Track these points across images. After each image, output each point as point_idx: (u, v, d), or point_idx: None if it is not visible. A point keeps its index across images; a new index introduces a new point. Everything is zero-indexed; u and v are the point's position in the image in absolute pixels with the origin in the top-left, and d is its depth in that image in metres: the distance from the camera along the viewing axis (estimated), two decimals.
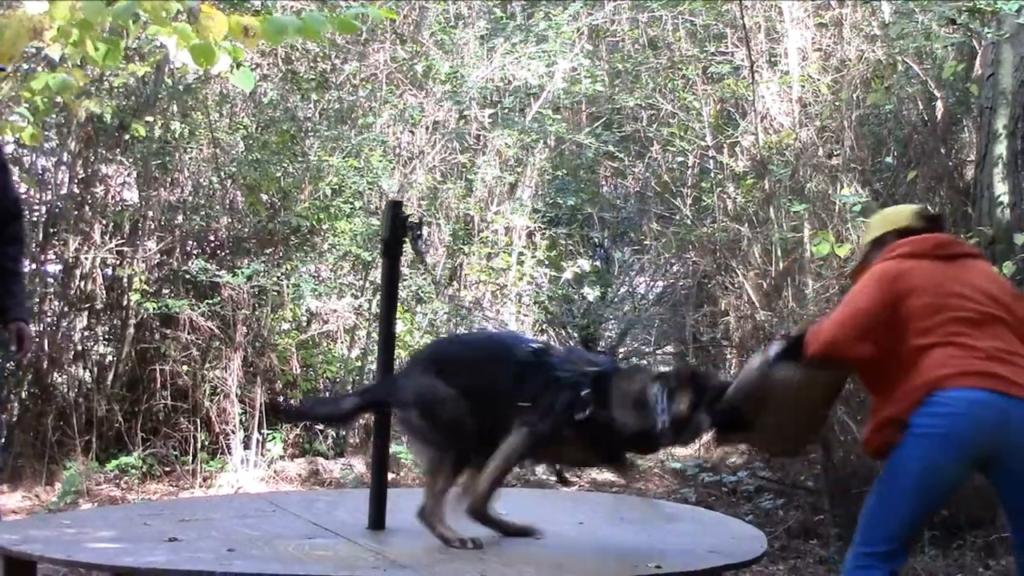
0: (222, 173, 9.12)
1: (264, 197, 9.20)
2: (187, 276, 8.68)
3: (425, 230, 9.39)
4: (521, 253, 10.32)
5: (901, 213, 4.33)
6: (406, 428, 4.24)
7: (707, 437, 4.38)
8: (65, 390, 8.66)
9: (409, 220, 4.14)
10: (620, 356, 10.16)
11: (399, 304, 4.17)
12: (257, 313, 8.75)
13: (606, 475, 8.81)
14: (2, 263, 4.86)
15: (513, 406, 3.99)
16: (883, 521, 3.92)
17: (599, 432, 3.97)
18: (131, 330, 8.68)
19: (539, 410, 3.97)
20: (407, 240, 4.15)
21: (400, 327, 8.28)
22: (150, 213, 8.87)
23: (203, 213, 9.06)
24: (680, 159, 10.73)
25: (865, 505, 4.01)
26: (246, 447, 8.36)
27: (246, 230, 9.13)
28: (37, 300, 8.65)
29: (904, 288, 3.96)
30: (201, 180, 9.29)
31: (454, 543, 3.92)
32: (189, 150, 9.10)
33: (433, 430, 3.99)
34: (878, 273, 4.05)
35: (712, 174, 10.30)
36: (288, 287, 8.76)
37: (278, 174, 9.08)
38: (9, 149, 8.76)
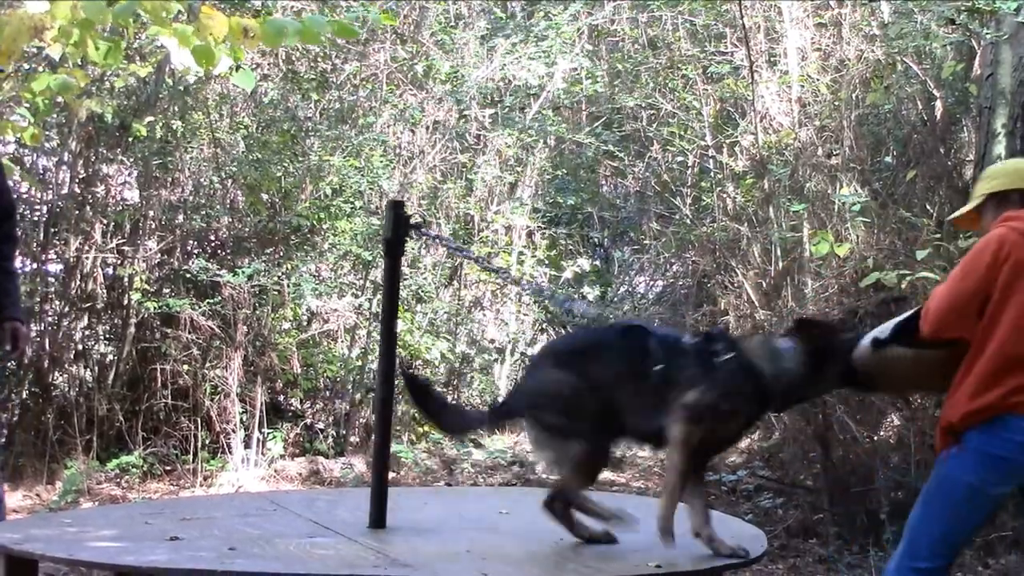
0: (223, 173, 9.13)
1: (265, 197, 9.21)
2: (188, 275, 8.69)
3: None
4: (521, 252, 10.36)
5: None
6: (537, 429, 4.09)
7: None
8: (66, 389, 8.65)
9: (413, 221, 4.16)
10: None
11: (400, 303, 4.18)
12: (258, 312, 8.76)
13: (606, 474, 8.85)
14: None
15: (649, 390, 3.93)
16: (936, 536, 3.84)
17: (755, 392, 3.95)
18: (132, 329, 8.68)
19: (689, 386, 3.90)
20: (414, 237, 4.18)
21: (401, 326, 8.30)
22: (151, 213, 8.87)
23: (204, 213, 9.06)
24: (680, 159, 10.75)
25: (915, 511, 3.92)
26: (247, 446, 8.37)
27: (247, 229, 9.14)
28: (38, 300, 8.66)
29: (1018, 268, 3.75)
30: (202, 180, 9.29)
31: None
32: (190, 150, 9.10)
33: (554, 416, 3.92)
34: (993, 244, 3.80)
35: (712, 174, 10.31)
36: (289, 286, 8.79)
37: (279, 174, 9.08)
38: (10, 149, 8.80)
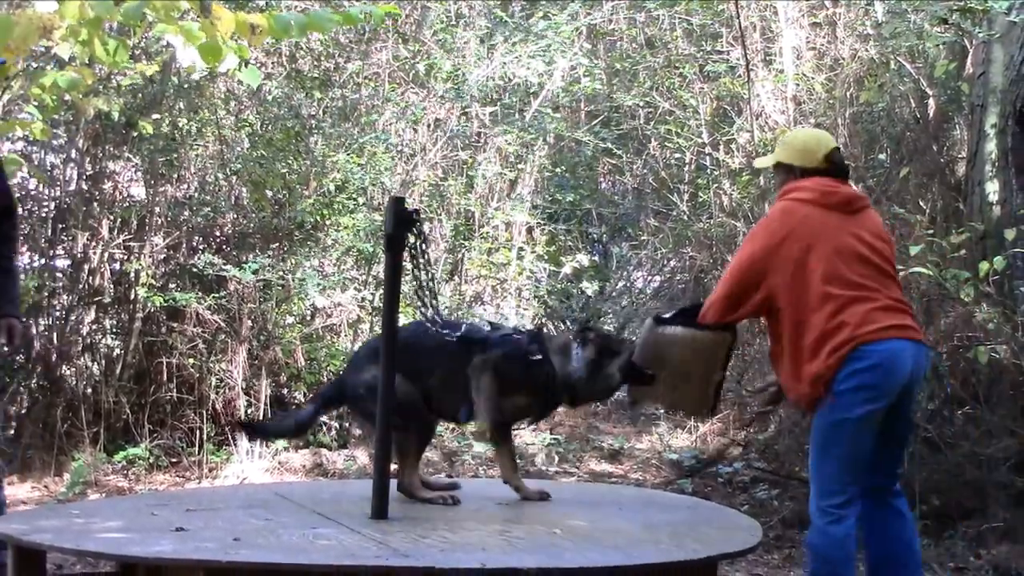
0: (228, 169, 9.16)
1: (269, 193, 9.22)
2: (193, 270, 8.69)
3: (427, 227, 9.50)
4: (521, 248, 10.38)
5: (817, 152, 4.45)
6: (364, 419, 4.69)
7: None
8: (74, 382, 8.68)
9: (416, 218, 4.20)
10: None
11: (401, 298, 4.23)
12: (262, 307, 8.79)
13: (604, 466, 8.95)
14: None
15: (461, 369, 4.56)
16: (839, 472, 4.21)
17: (540, 377, 4.54)
18: (139, 323, 8.70)
19: (492, 353, 4.56)
20: (414, 236, 4.21)
21: (402, 320, 8.33)
22: (157, 209, 8.88)
23: (209, 209, 9.09)
24: (677, 156, 10.82)
25: (812, 460, 4.31)
26: (251, 439, 8.31)
27: (251, 225, 9.14)
28: (46, 294, 8.70)
29: (804, 238, 4.22)
30: (207, 176, 9.31)
31: (436, 500, 4.51)
32: (195, 147, 9.13)
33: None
34: (777, 220, 4.33)
35: (708, 171, 10.37)
36: (293, 281, 8.79)
37: (283, 170, 9.11)
38: (19, 146, 8.86)
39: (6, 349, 5.35)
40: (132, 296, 8.82)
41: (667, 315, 4.63)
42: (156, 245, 8.90)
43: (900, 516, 4.41)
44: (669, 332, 4.50)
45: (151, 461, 8.30)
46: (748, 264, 4.28)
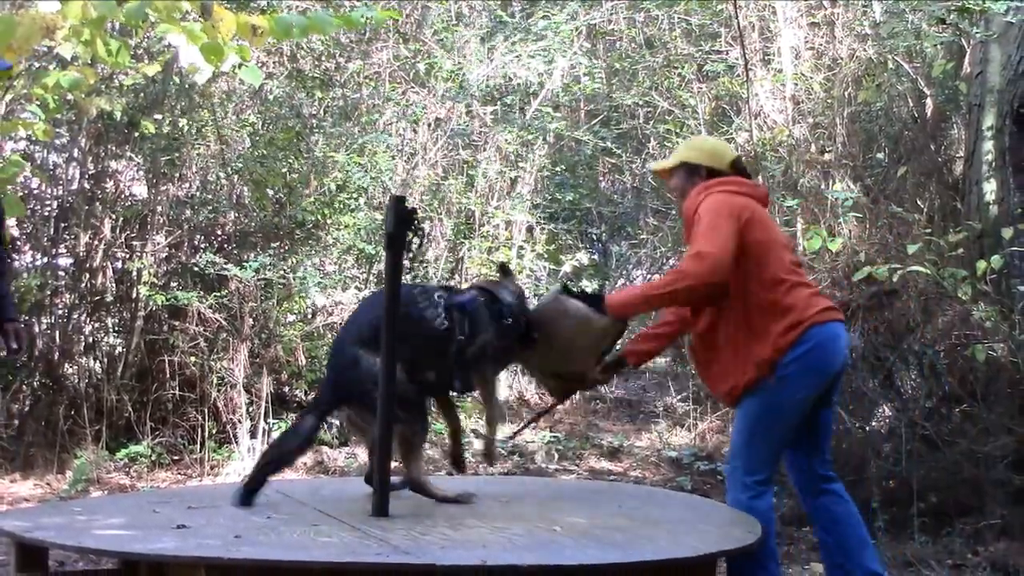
0: (229, 169, 9.19)
1: (270, 192, 9.24)
2: (195, 269, 8.72)
3: (426, 225, 9.53)
4: (521, 247, 10.40)
5: (725, 156, 4.59)
6: (367, 414, 4.35)
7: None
8: (76, 381, 8.70)
9: (415, 218, 4.21)
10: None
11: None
12: (263, 305, 8.81)
13: (603, 463, 8.98)
14: None
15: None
16: (768, 451, 4.35)
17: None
18: (140, 322, 8.73)
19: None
20: (413, 234, 4.21)
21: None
22: (159, 208, 8.90)
23: (211, 208, 9.12)
24: None
25: (742, 437, 4.39)
26: (253, 436, 8.41)
27: (253, 225, 9.17)
28: (49, 293, 8.73)
29: (757, 224, 4.34)
30: (209, 176, 9.34)
31: (450, 498, 4.39)
32: (197, 147, 9.15)
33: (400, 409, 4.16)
34: (735, 205, 4.35)
35: None
36: (294, 280, 8.81)
37: (284, 170, 9.14)
38: (22, 145, 8.89)
39: (15, 349, 5.41)
40: (134, 295, 8.85)
41: (574, 289, 4.73)
42: (158, 244, 8.93)
43: (841, 500, 4.53)
44: (572, 305, 4.53)
45: (153, 459, 8.32)
46: (732, 235, 4.27)
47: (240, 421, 8.45)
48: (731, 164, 4.58)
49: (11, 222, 7.88)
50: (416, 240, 4.12)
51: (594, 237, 12.81)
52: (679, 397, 10.50)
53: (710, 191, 4.44)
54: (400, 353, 4.11)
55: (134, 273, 8.83)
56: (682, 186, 4.60)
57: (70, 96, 6.80)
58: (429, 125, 9.97)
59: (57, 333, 8.75)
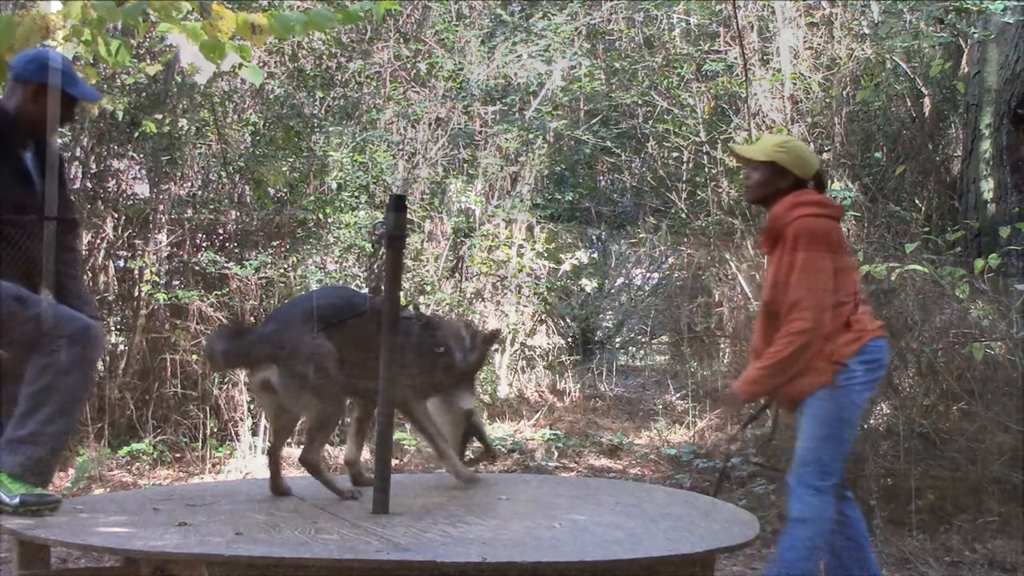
0: (230, 168, 9.18)
1: (271, 191, 9.23)
2: (197, 268, 8.73)
3: (427, 224, 9.54)
4: (521, 246, 10.42)
5: (812, 167, 4.57)
6: (290, 380, 4.49)
7: None
8: None
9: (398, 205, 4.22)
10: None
11: (402, 294, 4.24)
12: (265, 304, 8.79)
13: (603, 461, 9.00)
14: (64, 271, 4.73)
15: None
16: (839, 454, 4.40)
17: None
18: (142, 320, 8.72)
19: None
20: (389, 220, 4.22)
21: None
22: (161, 207, 8.90)
23: (212, 207, 9.10)
24: (675, 154, 10.83)
25: (813, 442, 4.40)
26: (254, 434, 8.38)
27: (254, 223, 9.17)
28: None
29: (841, 251, 4.44)
30: (210, 175, 9.34)
31: (344, 494, 4.54)
32: (198, 146, 9.15)
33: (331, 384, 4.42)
34: (833, 237, 4.40)
35: (706, 169, 10.40)
36: (295, 278, 8.81)
37: (285, 169, 9.13)
38: None
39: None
40: (136, 293, 8.84)
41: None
42: (160, 243, 8.93)
43: (853, 505, 4.63)
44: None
45: (155, 456, 8.30)
46: (830, 276, 4.37)
47: (241, 419, 8.44)
48: (816, 174, 4.57)
49: None
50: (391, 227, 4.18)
51: (594, 236, 12.81)
52: (678, 395, 10.52)
53: (804, 212, 4.40)
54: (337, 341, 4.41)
55: (136, 272, 8.82)
56: (764, 182, 4.53)
57: None
58: (430, 124, 9.97)
59: None
